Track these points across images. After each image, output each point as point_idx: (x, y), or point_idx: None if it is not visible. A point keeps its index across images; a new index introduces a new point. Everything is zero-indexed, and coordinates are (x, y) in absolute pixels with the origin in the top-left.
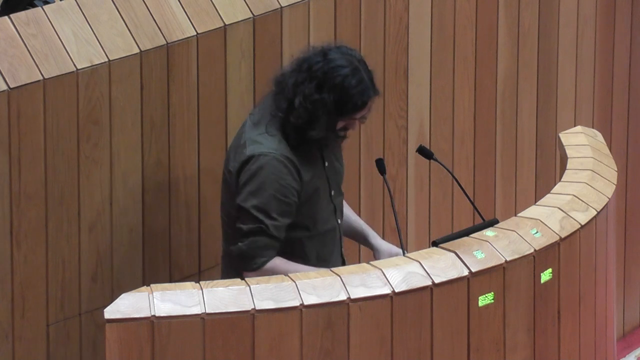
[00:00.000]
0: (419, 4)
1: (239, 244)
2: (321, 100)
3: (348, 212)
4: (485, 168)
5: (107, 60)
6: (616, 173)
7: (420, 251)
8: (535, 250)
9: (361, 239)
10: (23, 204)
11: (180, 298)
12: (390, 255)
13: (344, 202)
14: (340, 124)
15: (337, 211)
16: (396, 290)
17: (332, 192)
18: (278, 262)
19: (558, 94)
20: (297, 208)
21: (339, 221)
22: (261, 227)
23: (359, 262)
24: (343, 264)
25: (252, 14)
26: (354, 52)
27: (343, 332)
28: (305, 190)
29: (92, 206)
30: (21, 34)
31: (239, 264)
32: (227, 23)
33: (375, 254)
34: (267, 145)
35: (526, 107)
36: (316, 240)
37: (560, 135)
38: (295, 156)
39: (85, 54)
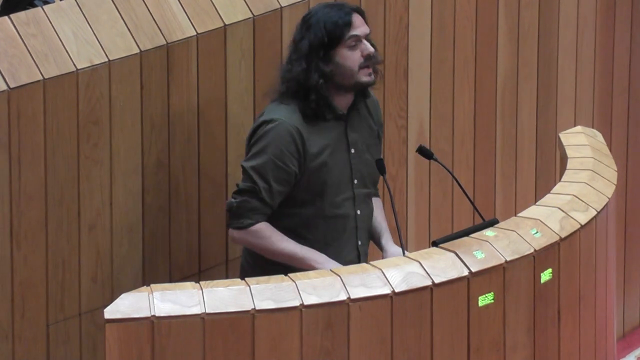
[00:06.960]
0: (419, 4)
1: (232, 199)
2: (307, 40)
3: (377, 213)
4: (485, 168)
5: (107, 60)
6: (616, 173)
7: (420, 251)
8: (535, 250)
9: (376, 239)
10: (23, 204)
11: (180, 298)
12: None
13: (378, 203)
14: (343, 55)
15: (358, 201)
16: (396, 290)
17: (355, 181)
18: (264, 227)
19: (558, 94)
20: (304, 180)
21: (359, 212)
22: (255, 187)
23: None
24: (358, 257)
25: (252, 14)
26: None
27: (343, 332)
28: (309, 163)
29: (92, 206)
30: (21, 34)
31: (227, 219)
32: (227, 23)
33: (383, 254)
34: (280, 112)
35: (526, 107)
36: (323, 222)
37: (560, 135)
38: (307, 127)
39: (85, 54)
